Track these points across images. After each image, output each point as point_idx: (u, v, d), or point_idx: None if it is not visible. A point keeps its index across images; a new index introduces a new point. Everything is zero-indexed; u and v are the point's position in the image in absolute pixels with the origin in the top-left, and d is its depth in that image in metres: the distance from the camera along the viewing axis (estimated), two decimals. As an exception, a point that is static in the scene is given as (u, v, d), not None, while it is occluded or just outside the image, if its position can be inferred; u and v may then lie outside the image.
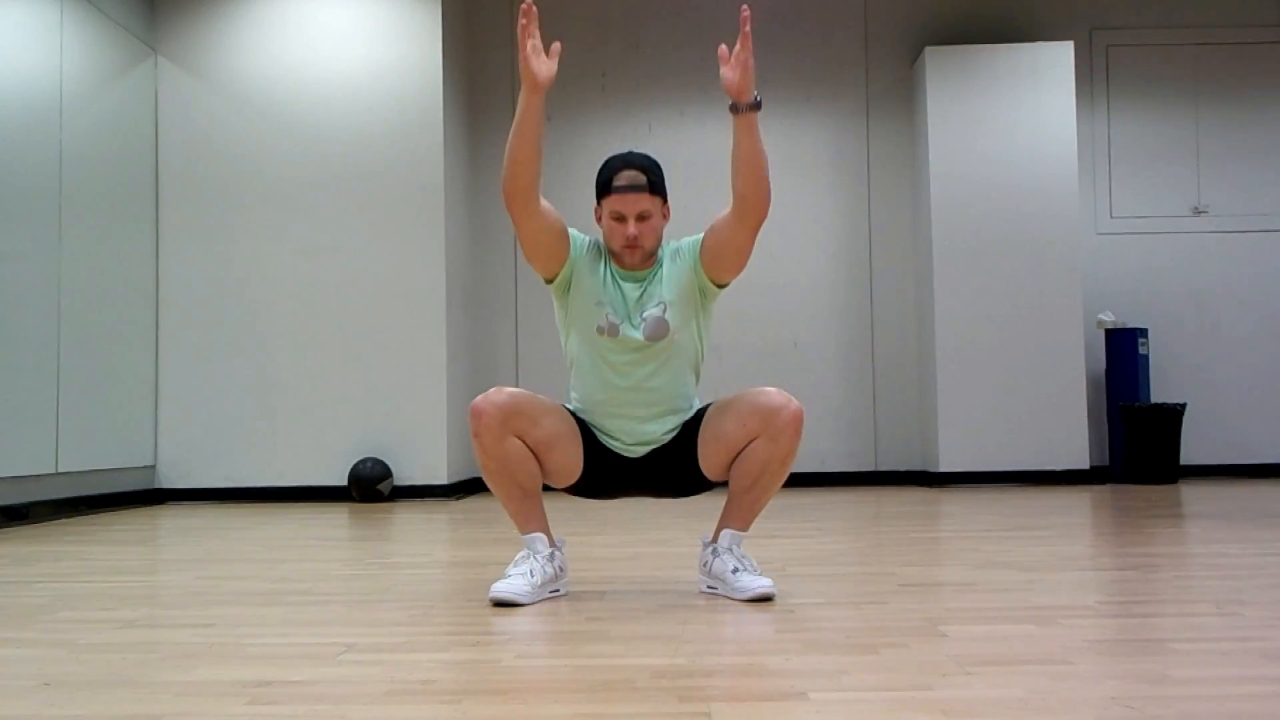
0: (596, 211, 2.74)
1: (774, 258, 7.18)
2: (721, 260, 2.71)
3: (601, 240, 2.78)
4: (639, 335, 2.69)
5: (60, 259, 5.36)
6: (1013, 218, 6.73)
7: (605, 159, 2.75)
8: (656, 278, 2.74)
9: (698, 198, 7.33)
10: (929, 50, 6.86)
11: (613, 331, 2.70)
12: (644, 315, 2.70)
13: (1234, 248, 7.26)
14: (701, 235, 2.75)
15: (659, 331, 2.69)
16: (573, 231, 2.76)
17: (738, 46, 2.58)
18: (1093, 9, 7.30)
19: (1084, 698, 1.72)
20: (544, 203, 2.69)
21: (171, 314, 6.31)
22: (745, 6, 2.53)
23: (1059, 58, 6.77)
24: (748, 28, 2.53)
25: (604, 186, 2.69)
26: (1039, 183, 6.73)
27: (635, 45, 7.24)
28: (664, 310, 2.70)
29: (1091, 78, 7.26)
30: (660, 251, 2.78)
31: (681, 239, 2.80)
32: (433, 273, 6.29)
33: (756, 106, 2.57)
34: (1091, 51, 7.29)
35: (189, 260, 6.32)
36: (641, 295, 2.72)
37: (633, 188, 2.65)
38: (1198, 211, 7.28)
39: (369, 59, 6.39)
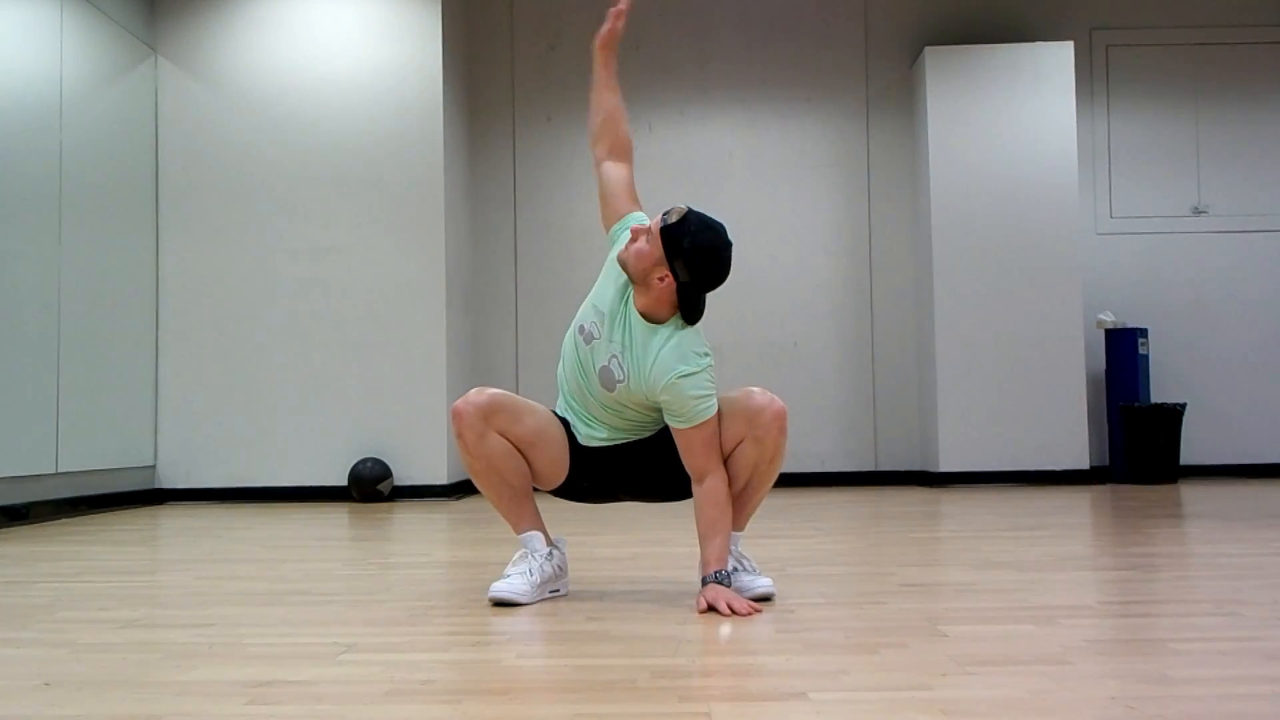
0: None
1: (774, 258, 7.19)
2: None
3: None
4: (595, 370, 2.66)
5: (60, 259, 5.36)
6: (1013, 217, 6.73)
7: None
8: (653, 340, 2.61)
9: (696, 198, 7.34)
10: (929, 50, 6.86)
11: (587, 340, 2.68)
12: (610, 359, 2.63)
13: (1234, 248, 7.26)
14: (667, 385, 2.57)
15: (607, 383, 2.66)
16: (635, 215, 2.76)
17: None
18: (1093, 9, 7.30)
19: (1084, 698, 1.72)
20: (613, 170, 2.78)
21: (171, 314, 6.31)
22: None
23: (1059, 58, 6.77)
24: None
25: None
26: (1039, 182, 6.73)
27: (635, 45, 7.24)
28: (626, 381, 2.63)
29: (1091, 78, 7.26)
30: (670, 331, 2.61)
31: (681, 351, 2.58)
32: (433, 273, 6.29)
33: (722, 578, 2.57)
34: (1091, 51, 7.29)
35: (189, 260, 6.32)
36: (631, 338, 2.63)
37: (662, 220, 2.58)
38: (1198, 211, 7.28)
39: (369, 59, 6.39)
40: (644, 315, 2.65)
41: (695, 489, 2.63)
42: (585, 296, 2.77)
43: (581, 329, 2.70)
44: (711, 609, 2.48)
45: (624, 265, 2.64)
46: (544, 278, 7.05)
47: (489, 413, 2.63)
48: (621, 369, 2.64)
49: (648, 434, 2.73)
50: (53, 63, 5.38)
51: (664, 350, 2.59)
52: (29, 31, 5.22)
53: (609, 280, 2.71)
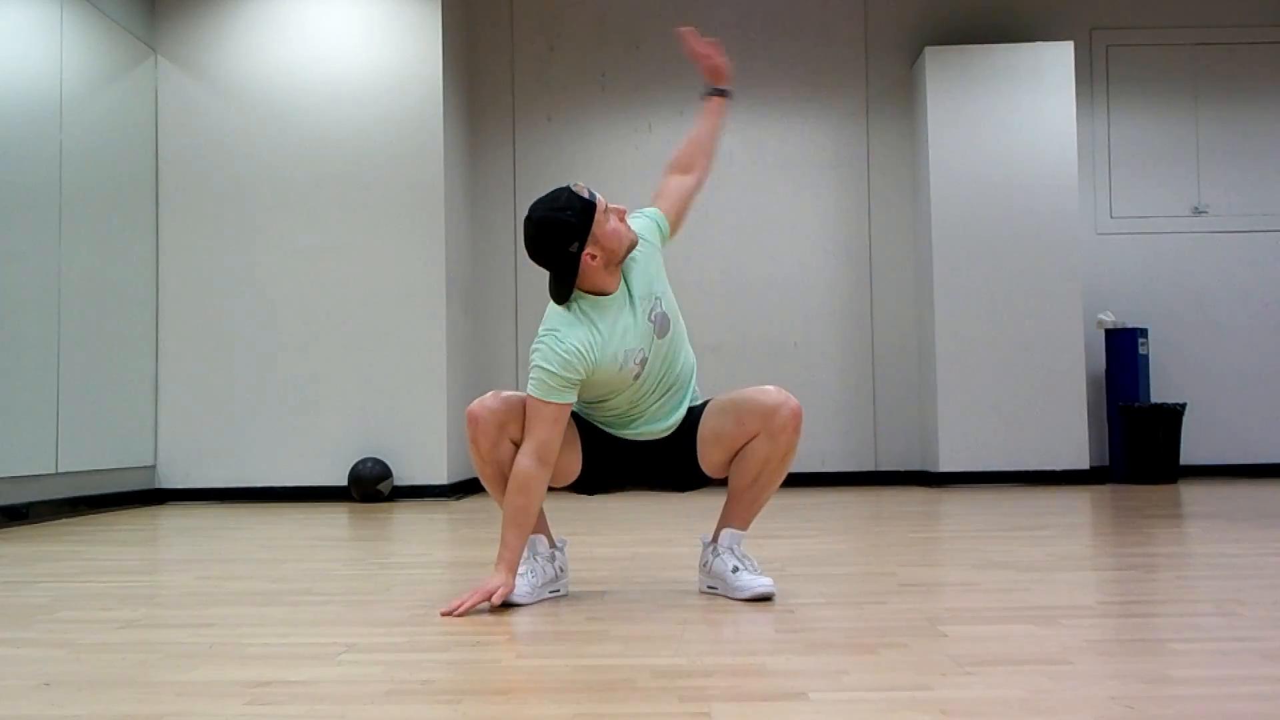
0: (586, 254, 2.59)
1: (774, 258, 7.18)
2: (682, 216, 2.90)
3: (574, 298, 2.66)
4: (654, 340, 2.67)
5: (60, 259, 5.36)
6: (1013, 218, 6.73)
7: (547, 212, 2.60)
8: (629, 268, 2.70)
9: (697, 197, 7.35)
10: (929, 50, 6.85)
11: (642, 364, 2.67)
12: (651, 317, 2.68)
13: (1234, 248, 7.26)
14: (651, 211, 2.84)
15: (665, 327, 2.70)
16: (569, 359, 2.58)
17: (704, 45, 2.96)
18: (1093, 9, 7.30)
19: (1084, 698, 1.72)
20: (553, 439, 2.60)
21: (171, 314, 6.31)
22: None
23: (1059, 58, 6.77)
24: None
25: (586, 211, 2.57)
26: (1039, 183, 6.73)
27: (635, 45, 7.24)
28: (660, 304, 2.70)
29: (1091, 78, 7.26)
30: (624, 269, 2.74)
31: (637, 224, 2.78)
32: (433, 273, 6.29)
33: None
34: (1091, 51, 7.29)
35: (189, 260, 6.32)
36: (632, 298, 2.68)
37: (592, 190, 2.65)
38: (1198, 211, 7.28)
39: (369, 59, 6.39)
40: (603, 291, 2.66)
41: (688, 150, 2.94)
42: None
43: (636, 376, 2.66)
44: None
45: (627, 244, 2.67)
46: (544, 278, 7.03)
47: (504, 420, 2.62)
48: (653, 297, 2.69)
49: (685, 386, 2.77)
50: (53, 63, 5.38)
51: (634, 267, 2.71)
52: (29, 31, 5.22)
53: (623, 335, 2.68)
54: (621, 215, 2.66)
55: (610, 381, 2.65)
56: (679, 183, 2.90)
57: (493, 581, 2.54)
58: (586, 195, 2.61)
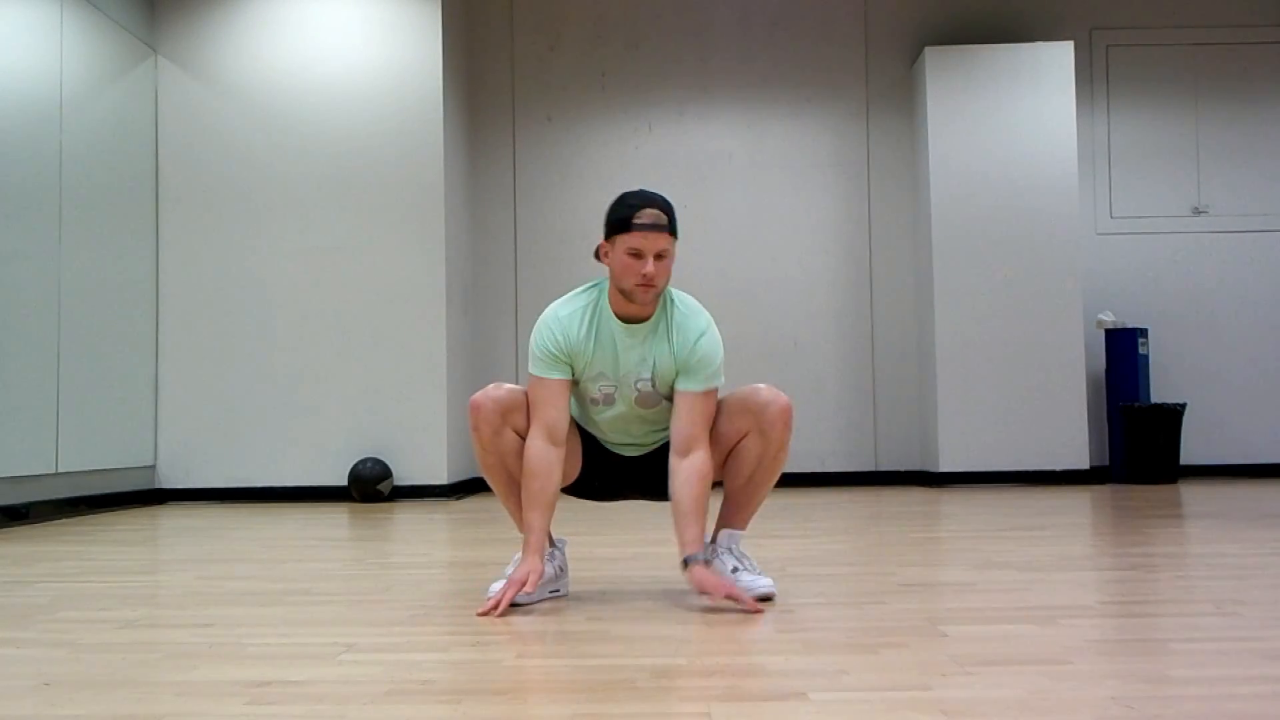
0: (603, 247, 2.60)
1: (774, 258, 7.18)
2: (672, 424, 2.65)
3: (605, 287, 2.66)
4: (632, 401, 2.67)
5: (60, 259, 5.36)
6: (1013, 218, 6.73)
7: (621, 195, 2.60)
8: (657, 334, 2.63)
9: (696, 197, 7.37)
10: (929, 50, 6.85)
11: (608, 401, 2.68)
12: (637, 384, 2.64)
13: (1234, 248, 7.26)
14: (697, 345, 2.62)
15: (651, 402, 2.68)
16: (552, 333, 2.61)
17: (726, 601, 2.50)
18: (1093, 9, 7.30)
19: (1084, 698, 1.72)
20: (559, 418, 2.61)
21: (171, 314, 6.31)
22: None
23: (1059, 58, 6.77)
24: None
25: (622, 223, 2.55)
26: (1039, 182, 6.73)
27: (635, 45, 7.24)
28: (655, 385, 2.65)
29: (1091, 78, 7.26)
30: (665, 299, 2.66)
31: (688, 315, 2.64)
32: (433, 273, 6.29)
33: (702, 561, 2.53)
34: (1091, 51, 7.29)
35: (189, 260, 6.32)
36: (640, 351, 2.63)
37: (655, 226, 2.53)
38: (1198, 211, 7.28)
39: (369, 59, 6.39)
40: (637, 319, 2.64)
41: (679, 462, 2.57)
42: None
43: (595, 400, 2.68)
44: (709, 594, 2.47)
45: (655, 295, 2.59)
46: (544, 278, 7.05)
47: (507, 409, 2.63)
48: (652, 381, 2.64)
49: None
50: (53, 63, 5.38)
51: (680, 319, 2.64)
52: (29, 31, 5.22)
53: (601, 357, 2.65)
54: (649, 277, 2.52)
55: (581, 384, 2.68)
56: (679, 411, 2.61)
57: (521, 570, 2.55)
58: (647, 221, 2.52)
